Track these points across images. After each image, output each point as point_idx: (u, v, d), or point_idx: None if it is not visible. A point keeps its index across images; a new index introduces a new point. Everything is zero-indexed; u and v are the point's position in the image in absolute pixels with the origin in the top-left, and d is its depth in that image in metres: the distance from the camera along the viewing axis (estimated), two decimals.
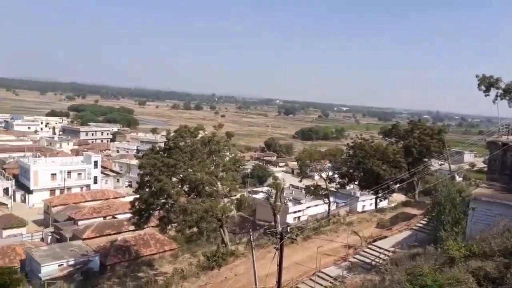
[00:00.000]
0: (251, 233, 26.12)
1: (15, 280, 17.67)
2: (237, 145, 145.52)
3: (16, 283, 17.98)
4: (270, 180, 74.28)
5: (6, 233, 49.92)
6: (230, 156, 39.24)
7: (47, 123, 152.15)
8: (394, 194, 57.83)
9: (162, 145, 37.02)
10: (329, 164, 54.59)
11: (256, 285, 23.14)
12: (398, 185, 48.38)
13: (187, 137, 35.24)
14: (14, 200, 65.92)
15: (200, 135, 36.83)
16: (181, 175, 33.15)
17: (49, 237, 48.37)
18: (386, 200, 56.19)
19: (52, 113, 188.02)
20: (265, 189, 59.60)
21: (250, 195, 59.74)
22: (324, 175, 53.31)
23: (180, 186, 33.29)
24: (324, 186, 51.80)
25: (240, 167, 42.28)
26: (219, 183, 34.55)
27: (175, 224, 32.61)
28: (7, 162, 79.52)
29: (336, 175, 52.79)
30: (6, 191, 65.64)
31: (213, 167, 34.75)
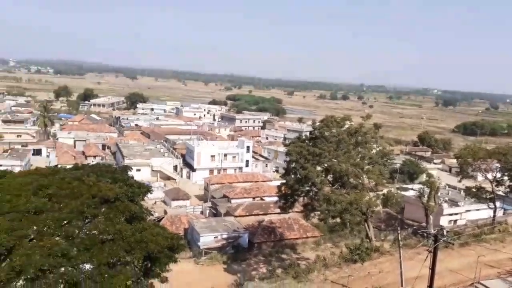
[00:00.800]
0: (398, 231, 24.69)
1: (181, 245, 20.30)
2: (386, 137, 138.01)
3: (181, 248, 20.64)
4: (422, 178, 68.44)
5: (174, 203, 57.95)
6: (378, 148, 37.55)
7: (209, 111, 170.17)
8: None
9: (308, 134, 37.57)
10: (498, 164, 47.31)
11: (402, 285, 21.82)
12: None
13: (333, 127, 34.97)
14: (181, 176, 76.02)
15: (346, 126, 36.13)
16: (325, 165, 33.21)
17: (207, 211, 54.38)
18: None
19: (213, 102, 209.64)
20: (416, 186, 55.28)
21: (399, 191, 56.19)
22: (490, 176, 46.54)
23: (324, 175, 33.39)
24: (490, 189, 45.28)
25: (388, 161, 40.17)
26: (364, 176, 33.51)
27: (319, 212, 33.00)
28: (177, 143, 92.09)
29: (505, 177, 45.53)
30: (175, 168, 76.22)
31: (359, 159, 33.82)
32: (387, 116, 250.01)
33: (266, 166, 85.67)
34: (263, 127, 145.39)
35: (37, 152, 77.71)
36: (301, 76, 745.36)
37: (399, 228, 26.34)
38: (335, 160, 32.47)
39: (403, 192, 56.75)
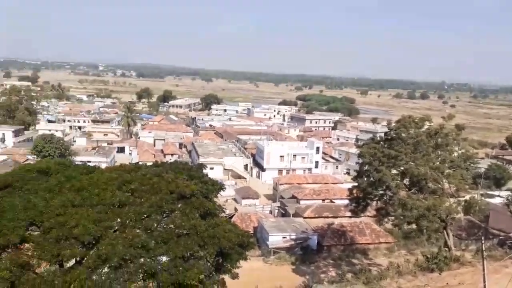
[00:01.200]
0: (482, 241, 22.75)
1: (251, 243, 20.64)
2: (469, 139, 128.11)
3: (251, 246, 20.98)
4: (511, 184, 62.37)
5: (244, 202, 59.24)
6: (460, 151, 34.97)
7: (279, 111, 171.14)
8: None
9: (383, 135, 36.20)
10: None
11: None
12: None
13: (411, 127, 33.21)
14: (251, 175, 77.50)
15: (425, 126, 34.13)
16: (402, 168, 31.69)
17: (276, 211, 54.75)
18: None
19: (283, 102, 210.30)
20: (504, 193, 50.63)
21: (483, 198, 51.79)
22: None
23: (400, 179, 31.91)
24: None
25: (472, 165, 37.28)
26: (445, 181, 31.43)
27: (393, 218, 31.63)
28: (247, 143, 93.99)
29: None
30: (246, 167, 77.89)
31: (438, 162, 31.76)
32: (471, 116, 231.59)
33: (337, 168, 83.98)
34: (334, 128, 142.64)
35: (121, 150, 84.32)
36: (376, 75, 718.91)
37: (483, 238, 24.22)
38: (413, 163, 30.82)
39: (488, 199, 52.25)
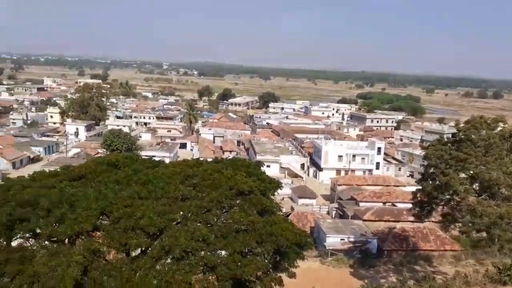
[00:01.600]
0: None
1: (308, 243, 20.50)
2: None
3: (308, 246, 20.83)
4: None
5: (301, 201, 58.76)
6: None
7: (338, 110, 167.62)
8: None
9: (450, 136, 34.27)
10: None
11: None
12: None
13: (482, 129, 30.99)
14: (308, 174, 76.76)
15: (498, 128, 31.69)
16: (471, 172, 29.68)
17: (333, 212, 53.72)
18: None
19: (342, 101, 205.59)
20: None
21: None
22: None
23: (469, 183, 29.92)
24: None
25: None
26: None
27: (460, 224, 29.78)
28: (304, 141, 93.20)
29: None
30: (302, 166, 77.28)
31: None
32: None
33: (399, 170, 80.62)
34: (397, 128, 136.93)
35: (183, 146, 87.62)
36: (443, 72, 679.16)
37: None
38: (483, 167, 28.74)
39: None
